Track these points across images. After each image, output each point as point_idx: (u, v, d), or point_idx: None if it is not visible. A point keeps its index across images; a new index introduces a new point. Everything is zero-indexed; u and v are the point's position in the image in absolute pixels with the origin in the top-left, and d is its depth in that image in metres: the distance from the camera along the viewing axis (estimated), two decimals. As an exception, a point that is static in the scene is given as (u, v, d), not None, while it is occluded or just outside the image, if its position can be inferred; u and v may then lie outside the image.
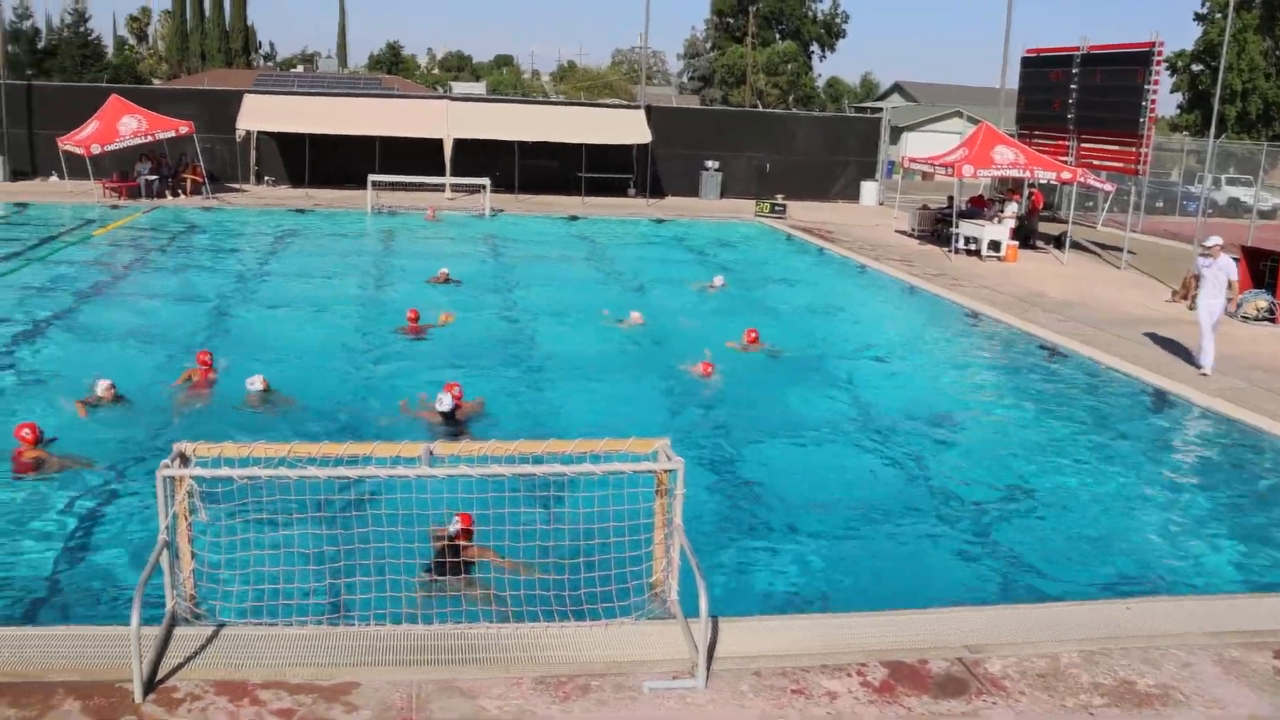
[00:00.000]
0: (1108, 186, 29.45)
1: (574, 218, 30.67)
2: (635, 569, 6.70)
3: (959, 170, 25.72)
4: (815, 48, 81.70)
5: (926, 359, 16.22)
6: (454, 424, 11.42)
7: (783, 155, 37.78)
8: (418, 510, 6.71)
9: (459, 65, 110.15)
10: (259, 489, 6.40)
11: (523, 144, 33.40)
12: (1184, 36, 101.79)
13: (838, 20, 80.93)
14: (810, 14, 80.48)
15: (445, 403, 11.37)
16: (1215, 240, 15.33)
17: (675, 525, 6.51)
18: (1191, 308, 18.34)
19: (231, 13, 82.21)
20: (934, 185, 39.32)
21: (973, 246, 25.90)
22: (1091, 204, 33.76)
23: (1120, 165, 26.38)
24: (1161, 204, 37.38)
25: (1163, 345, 16.42)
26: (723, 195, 36.63)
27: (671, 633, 6.57)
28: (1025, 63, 30.79)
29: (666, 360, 14.81)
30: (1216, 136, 30.18)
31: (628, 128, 34.43)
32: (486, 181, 30.52)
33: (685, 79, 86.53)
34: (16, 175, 32.58)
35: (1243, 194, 39.12)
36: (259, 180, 34.68)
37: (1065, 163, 27.31)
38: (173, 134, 30.43)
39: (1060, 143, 28.56)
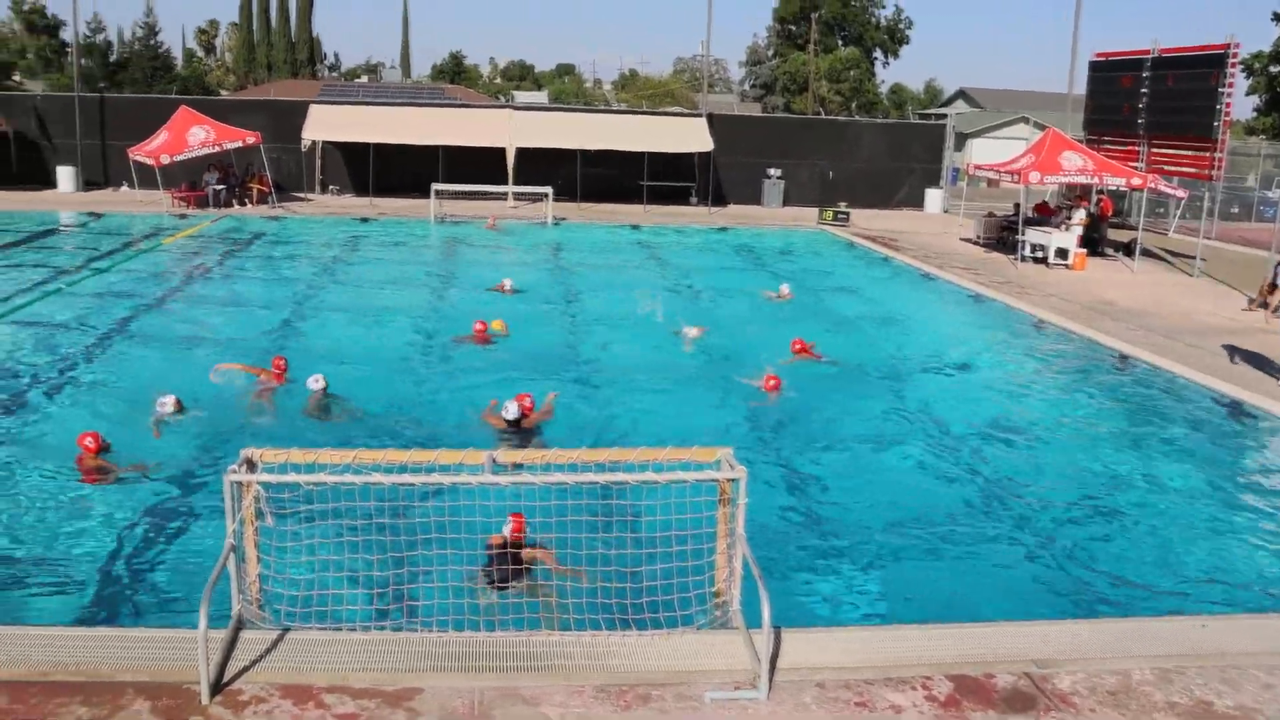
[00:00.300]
0: (1180, 192, 28.77)
1: (636, 226, 30.70)
2: (697, 578, 6.64)
3: (1025, 177, 25.28)
4: (878, 54, 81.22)
5: (993, 368, 15.94)
6: (519, 433, 11.49)
7: (846, 163, 37.40)
8: (481, 518, 6.74)
9: (521, 74, 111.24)
10: (324, 494, 6.46)
11: (584, 153, 33.46)
12: (1261, 37, 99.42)
13: (901, 26, 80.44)
14: (873, 20, 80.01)
15: (512, 411, 11.44)
16: None
17: (738, 535, 6.45)
18: (1276, 313, 17.85)
19: (297, 24, 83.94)
20: (1000, 192, 38.82)
21: (1039, 254, 25.42)
22: (1163, 210, 33.00)
23: (1193, 170, 25.79)
24: (1237, 210, 36.41)
25: (1241, 355, 15.96)
26: (785, 203, 36.34)
27: (733, 643, 6.51)
28: (1094, 67, 30.29)
29: (730, 371, 14.70)
30: (1295, 140, 29.38)
31: (690, 136, 34.33)
32: (549, 190, 30.67)
33: (747, 86, 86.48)
34: (89, 185, 33.40)
35: (1323, 198, 38.01)
36: (324, 190, 35.18)
37: (1135, 168, 26.75)
38: (240, 144, 31.02)
39: (1130, 148, 28.00)
